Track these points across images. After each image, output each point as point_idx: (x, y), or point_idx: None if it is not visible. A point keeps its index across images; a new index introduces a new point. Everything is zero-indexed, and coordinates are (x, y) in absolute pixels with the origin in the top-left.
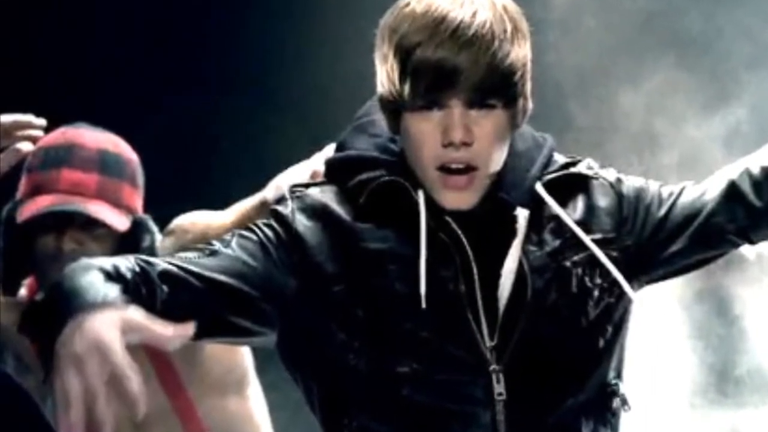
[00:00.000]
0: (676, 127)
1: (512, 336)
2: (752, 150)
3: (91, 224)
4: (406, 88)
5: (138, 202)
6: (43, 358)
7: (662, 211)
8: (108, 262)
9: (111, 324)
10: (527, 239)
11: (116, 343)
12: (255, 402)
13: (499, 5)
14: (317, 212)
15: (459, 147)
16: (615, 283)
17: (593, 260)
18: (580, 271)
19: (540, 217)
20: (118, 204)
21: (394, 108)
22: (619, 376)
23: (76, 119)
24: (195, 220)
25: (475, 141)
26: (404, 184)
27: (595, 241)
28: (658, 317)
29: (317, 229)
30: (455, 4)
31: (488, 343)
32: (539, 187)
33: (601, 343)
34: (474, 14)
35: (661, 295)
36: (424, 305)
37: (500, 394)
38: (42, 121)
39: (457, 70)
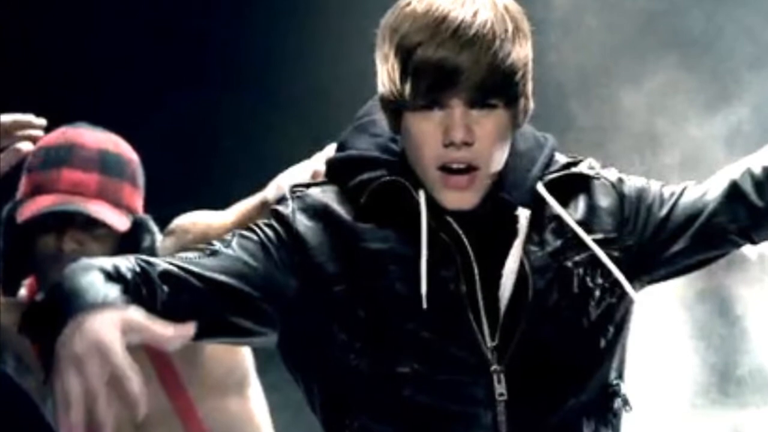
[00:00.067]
0: (677, 126)
1: (513, 336)
2: (754, 150)
3: (91, 224)
4: (407, 87)
5: (138, 202)
6: (44, 358)
7: (664, 211)
8: (108, 263)
9: (111, 324)
10: (528, 239)
11: (117, 344)
12: (256, 403)
13: (501, 5)
14: (318, 212)
15: (460, 147)
16: (616, 283)
17: (594, 260)
18: (581, 271)
19: (541, 217)
20: (118, 204)
21: (395, 108)
22: (620, 376)
23: (76, 118)
24: (195, 220)
25: (476, 141)
26: (405, 184)
27: (596, 241)
28: (660, 317)
29: (318, 229)
30: (456, 3)
31: (489, 344)
32: (540, 187)
33: (603, 343)
34: (475, 14)
35: (662, 296)
36: (425, 305)
37: (501, 394)
38: (42, 121)
39: (458, 70)
